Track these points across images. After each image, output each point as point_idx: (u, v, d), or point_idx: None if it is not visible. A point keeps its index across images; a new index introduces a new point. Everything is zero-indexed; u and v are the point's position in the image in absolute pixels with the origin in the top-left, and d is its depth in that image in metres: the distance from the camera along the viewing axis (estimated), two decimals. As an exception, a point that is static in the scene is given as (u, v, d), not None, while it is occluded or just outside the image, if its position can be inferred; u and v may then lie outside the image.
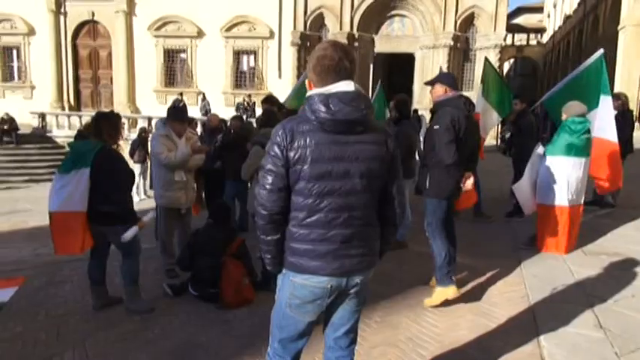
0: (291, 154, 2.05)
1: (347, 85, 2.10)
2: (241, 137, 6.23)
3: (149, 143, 7.87)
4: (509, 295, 4.25)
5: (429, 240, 4.06)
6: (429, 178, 3.86)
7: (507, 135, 6.83)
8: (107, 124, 3.95)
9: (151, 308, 4.18)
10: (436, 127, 3.76)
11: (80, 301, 4.55)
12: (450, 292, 3.91)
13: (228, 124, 7.33)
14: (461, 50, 20.79)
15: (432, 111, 4.26)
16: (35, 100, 22.72)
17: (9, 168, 17.34)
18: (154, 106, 21.66)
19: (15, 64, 23.50)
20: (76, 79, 23.18)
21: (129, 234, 3.89)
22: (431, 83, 3.94)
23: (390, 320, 3.84)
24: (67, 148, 4.19)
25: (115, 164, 3.90)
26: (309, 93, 2.14)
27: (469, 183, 3.88)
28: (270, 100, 5.99)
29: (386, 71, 23.45)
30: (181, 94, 20.19)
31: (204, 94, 20.28)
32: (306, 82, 2.23)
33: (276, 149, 2.06)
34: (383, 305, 4.10)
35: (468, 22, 20.77)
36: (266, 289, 4.26)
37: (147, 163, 12.61)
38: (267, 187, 2.08)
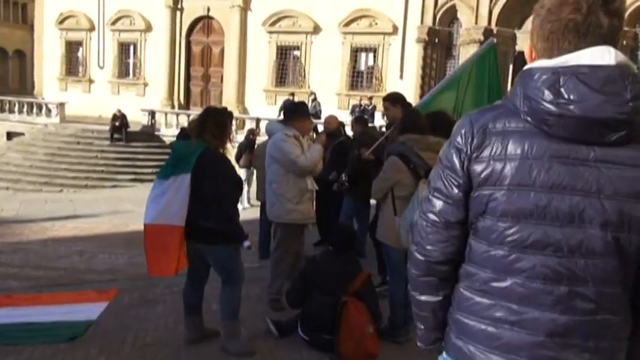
0: (478, 167, 1.45)
1: (600, 55, 1.35)
2: (362, 145, 5.70)
3: (260, 146, 7.61)
4: None
5: None
6: None
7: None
8: (213, 122, 3.80)
9: (251, 352, 3.79)
10: None
11: (172, 329, 4.41)
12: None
13: (350, 127, 6.85)
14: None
15: None
16: (147, 98, 24.31)
17: (117, 166, 18.51)
18: (262, 106, 22.14)
19: (131, 60, 25.38)
20: (187, 77, 24.45)
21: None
22: None
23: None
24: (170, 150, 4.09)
25: (219, 170, 3.73)
26: (527, 66, 1.44)
27: None
28: (399, 100, 5.46)
29: (527, 73, 22.00)
30: (292, 94, 20.30)
31: (315, 95, 20.22)
32: (526, 49, 1.54)
33: (454, 157, 1.49)
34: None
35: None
36: (393, 339, 3.72)
37: (253, 169, 12.65)
38: (431, 217, 1.54)
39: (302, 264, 4.28)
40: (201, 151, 3.68)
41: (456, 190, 1.49)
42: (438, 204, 1.52)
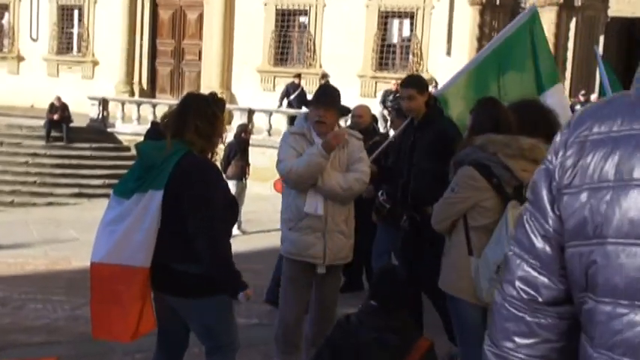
0: (569, 205, 1.30)
1: None
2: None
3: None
4: None
5: None
6: None
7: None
8: (198, 114, 3.80)
9: None
10: None
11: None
12: None
13: (389, 123, 6.62)
14: None
15: None
16: (97, 81, 24.36)
17: (54, 175, 18.48)
18: (255, 93, 22.08)
19: (75, 30, 25.41)
20: (153, 53, 24.46)
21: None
22: None
23: None
24: (134, 152, 4.30)
25: (207, 185, 3.73)
26: None
27: None
28: (427, 87, 5.77)
29: (623, 46, 22.61)
30: (299, 76, 20.09)
31: (327, 77, 19.95)
32: None
33: (541, 186, 1.37)
34: None
35: None
36: None
37: (245, 181, 12.39)
38: (509, 291, 1.40)
39: (331, 327, 4.07)
40: (180, 157, 3.66)
41: (541, 244, 1.35)
42: (518, 267, 1.38)
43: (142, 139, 4.69)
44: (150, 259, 3.70)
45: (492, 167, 3.84)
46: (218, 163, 4.01)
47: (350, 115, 6.35)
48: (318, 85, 21.07)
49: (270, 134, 18.12)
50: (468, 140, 4.15)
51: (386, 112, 17.95)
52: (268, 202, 13.83)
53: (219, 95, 4.23)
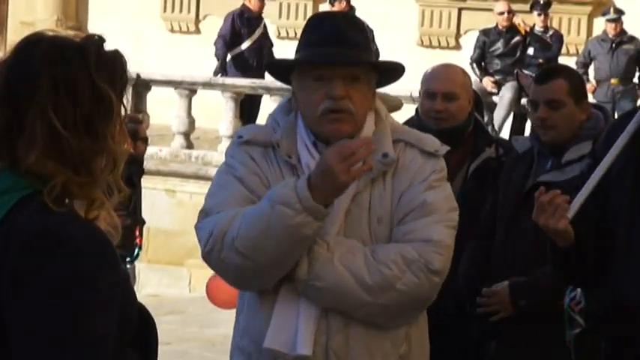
0: None
1: None
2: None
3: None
4: None
5: None
6: None
7: None
8: (64, 97, 1.63)
9: None
10: None
11: None
12: None
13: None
14: None
15: None
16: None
17: None
18: (153, 33, 15.56)
19: None
20: None
21: None
22: None
23: None
24: None
25: (65, 291, 1.63)
26: None
27: None
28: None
29: None
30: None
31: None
32: None
33: None
34: None
35: None
36: None
37: (134, 258, 7.25)
38: None
39: None
40: (8, 212, 1.67)
41: None
42: None
43: None
44: None
45: None
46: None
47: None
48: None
49: (190, 147, 11.49)
50: None
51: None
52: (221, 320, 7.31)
53: (96, 40, 1.75)
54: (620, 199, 2.33)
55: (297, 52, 2.44)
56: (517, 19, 11.42)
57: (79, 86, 1.60)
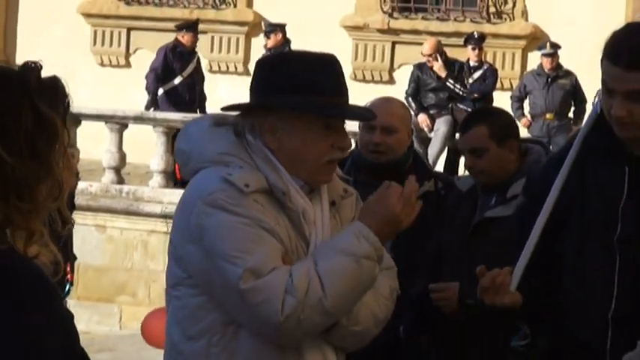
0: None
1: None
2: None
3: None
4: None
5: None
6: None
7: None
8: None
9: None
10: None
11: None
12: None
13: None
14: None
15: None
16: None
17: None
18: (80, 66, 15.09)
19: None
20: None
21: None
22: None
23: None
24: None
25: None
26: None
27: None
28: None
29: None
30: (193, 24, 12.47)
31: (279, 30, 12.04)
32: None
33: None
34: None
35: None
36: None
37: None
38: None
39: None
40: None
41: None
42: None
43: None
44: None
45: None
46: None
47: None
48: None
49: (121, 183, 11.07)
50: None
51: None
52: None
53: (34, 67, 1.60)
54: (567, 244, 2.29)
55: (292, 89, 2.16)
56: (439, 61, 11.01)
57: (23, 112, 1.50)
